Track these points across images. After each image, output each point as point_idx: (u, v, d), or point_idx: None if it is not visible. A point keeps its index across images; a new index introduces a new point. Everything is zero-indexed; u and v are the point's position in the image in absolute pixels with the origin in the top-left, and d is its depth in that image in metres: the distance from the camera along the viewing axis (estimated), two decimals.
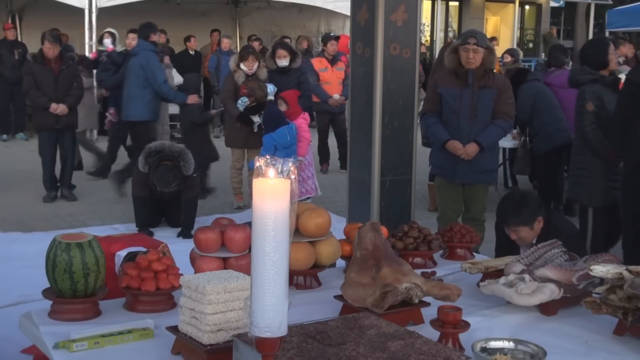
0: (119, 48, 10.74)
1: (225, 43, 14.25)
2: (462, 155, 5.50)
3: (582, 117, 5.87)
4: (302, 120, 7.98)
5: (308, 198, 7.79)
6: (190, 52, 14.94)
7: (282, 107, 7.91)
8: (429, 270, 3.42)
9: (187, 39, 15.07)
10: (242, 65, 8.27)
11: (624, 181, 5.48)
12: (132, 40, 10.11)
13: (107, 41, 11.17)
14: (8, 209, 8.29)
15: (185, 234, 7.01)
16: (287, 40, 14.49)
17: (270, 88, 8.26)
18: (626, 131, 5.35)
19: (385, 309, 2.63)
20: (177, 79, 11.46)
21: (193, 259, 3.16)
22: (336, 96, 10.35)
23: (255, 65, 8.30)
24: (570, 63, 10.26)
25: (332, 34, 12.20)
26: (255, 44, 15.26)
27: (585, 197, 6.03)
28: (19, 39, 15.07)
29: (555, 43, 15.73)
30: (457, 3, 25.89)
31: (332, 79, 10.54)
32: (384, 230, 3.32)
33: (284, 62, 8.75)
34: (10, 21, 15.54)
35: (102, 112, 11.45)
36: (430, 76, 7.18)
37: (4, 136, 13.28)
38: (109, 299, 2.91)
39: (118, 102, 9.57)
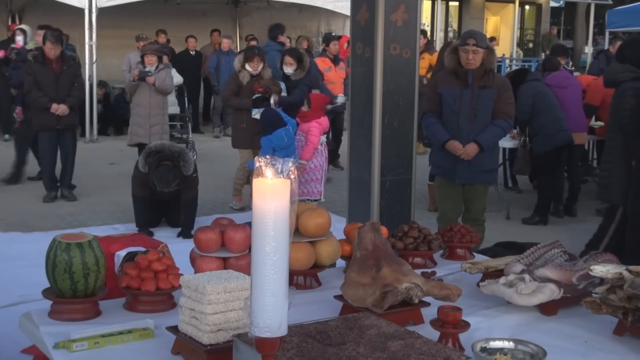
0: (30, 45, 10.34)
1: (225, 43, 14.24)
2: (462, 156, 5.51)
3: (623, 113, 5.83)
4: (315, 124, 7.90)
5: (315, 200, 7.76)
6: (191, 52, 14.94)
7: (304, 107, 7.89)
8: (429, 270, 3.42)
9: (186, 39, 15.09)
10: (247, 66, 8.27)
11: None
12: (39, 37, 10.01)
13: (19, 38, 10.76)
14: (8, 209, 8.29)
15: (185, 234, 7.01)
16: (286, 38, 14.46)
17: (282, 85, 8.29)
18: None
19: (385, 309, 2.63)
20: (177, 78, 11.45)
21: (193, 259, 3.16)
22: (340, 98, 10.27)
23: (261, 66, 8.30)
24: (570, 63, 10.28)
25: (333, 34, 12.17)
26: (253, 44, 15.23)
27: (621, 198, 5.96)
28: None
29: (555, 43, 15.70)
30: (457, 3, 25.90)
31: (335, 79, 10.56)
32: (384, 230, 3.32)
33: (289, 69, 8.74)
34: (10, 21, 15.54)
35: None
36: (431, 76, 7.19)
37: (6, 136, 13.27)
38: (109, 299, 2.91)
39: (25, 100, 9.32)
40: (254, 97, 8.08)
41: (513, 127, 7.68)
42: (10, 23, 15.25)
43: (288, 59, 8.80)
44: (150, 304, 2.87)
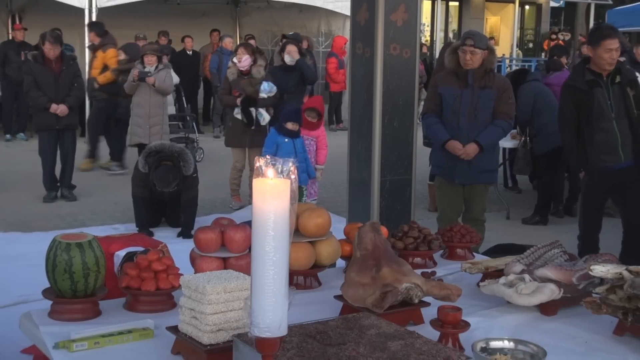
0: None
1: (228, 43, 14.23)
2: (462, 156, 5.50)
3: None
4: (323, 129, 8.09)
5: (313, 200, 7.78)
6: (188, 52, 14.93)
7: (314, 119, 7.87)
8: (429, 270, 3.42)
9: (182, 39, 15.08)
10: (234, 59, 8.27)
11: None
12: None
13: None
14: (8, 209, 8.28)
15: (185, 234, 7.01)
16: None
17: (265, 87, 8.19)
18: None
19: (385, 309, 2.63)
20: (175, 78, 11.43)
21: (193, 259, 3.16)
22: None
23: (245, 58, 8.21)
24: (571, 62, 10.30)
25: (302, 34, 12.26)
26: (251, 43, 15.21)
27: None
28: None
29: (554, 44, 15.69)
30: (457, 3, 25.88)
31: None
32: (384, 230, 3.32)
33: (288, 58, 8.77)
34: (10, 21, 15.53)
35: None
36: (432, 76, 7.19)
37: (8, 136, 13.27)
38: (109, 299, 2.91)
39: None
40: (239, 98, 8.09)
41: (513, 127, 7.68)
42: (10, 23, 15.24)
43: (291, 47, 8.96)
44: (150, 304, 2.87)
